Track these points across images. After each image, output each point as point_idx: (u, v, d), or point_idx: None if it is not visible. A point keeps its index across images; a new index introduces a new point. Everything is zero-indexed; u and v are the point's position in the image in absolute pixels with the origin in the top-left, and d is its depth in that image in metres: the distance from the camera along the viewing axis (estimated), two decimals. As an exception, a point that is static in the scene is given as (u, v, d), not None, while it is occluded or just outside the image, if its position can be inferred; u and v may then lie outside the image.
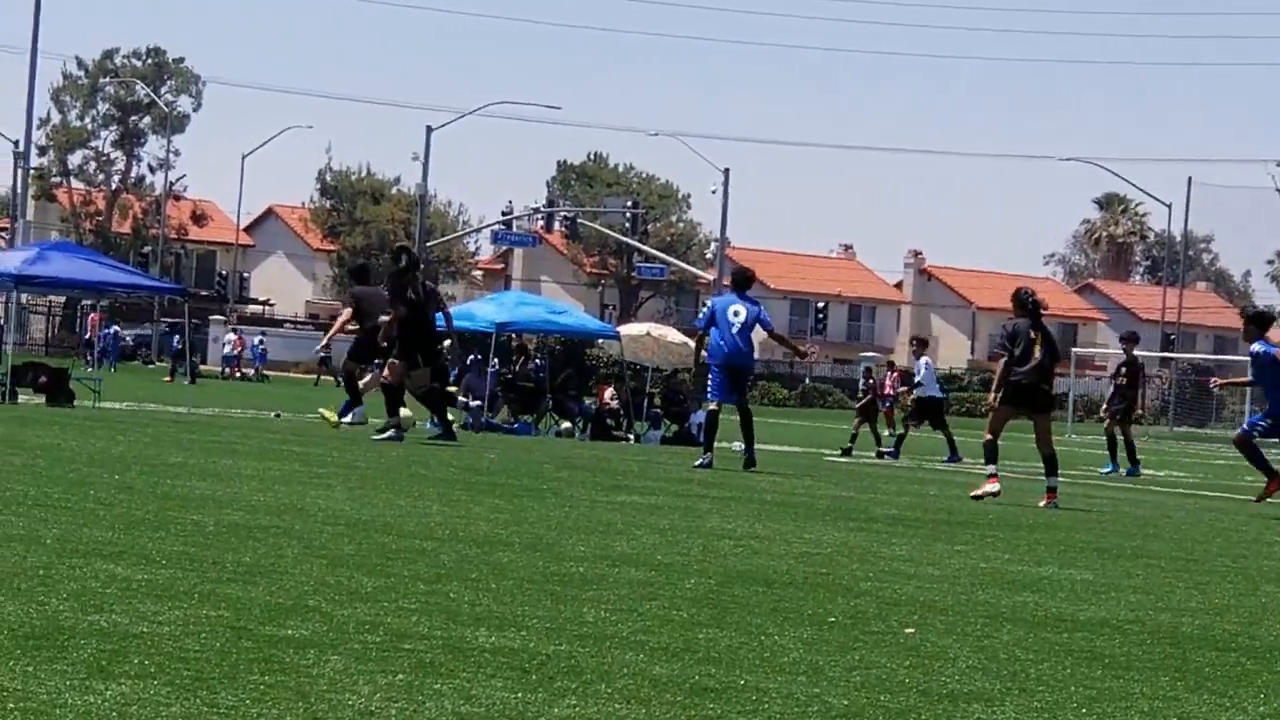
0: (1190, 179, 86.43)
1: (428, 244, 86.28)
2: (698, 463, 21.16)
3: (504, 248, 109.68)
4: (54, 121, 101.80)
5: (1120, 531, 15.55)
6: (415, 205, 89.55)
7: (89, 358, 71.60)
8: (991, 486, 18.28)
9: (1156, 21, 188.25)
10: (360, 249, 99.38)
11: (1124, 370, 31.59)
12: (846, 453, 32.31)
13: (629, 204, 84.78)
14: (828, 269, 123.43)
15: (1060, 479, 18.88)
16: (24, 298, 68.56)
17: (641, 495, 15.63)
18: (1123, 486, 25.62)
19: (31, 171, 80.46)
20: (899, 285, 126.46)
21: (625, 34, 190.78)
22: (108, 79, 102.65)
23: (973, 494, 18.56)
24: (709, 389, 21.91)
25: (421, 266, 25.43)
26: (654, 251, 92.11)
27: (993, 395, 18.84)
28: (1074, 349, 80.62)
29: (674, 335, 40.43)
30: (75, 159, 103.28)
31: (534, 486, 15.80)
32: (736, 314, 21.53)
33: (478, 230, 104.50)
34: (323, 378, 71.64)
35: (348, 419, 25.22)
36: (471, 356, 36.40)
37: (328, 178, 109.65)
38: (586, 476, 17.85)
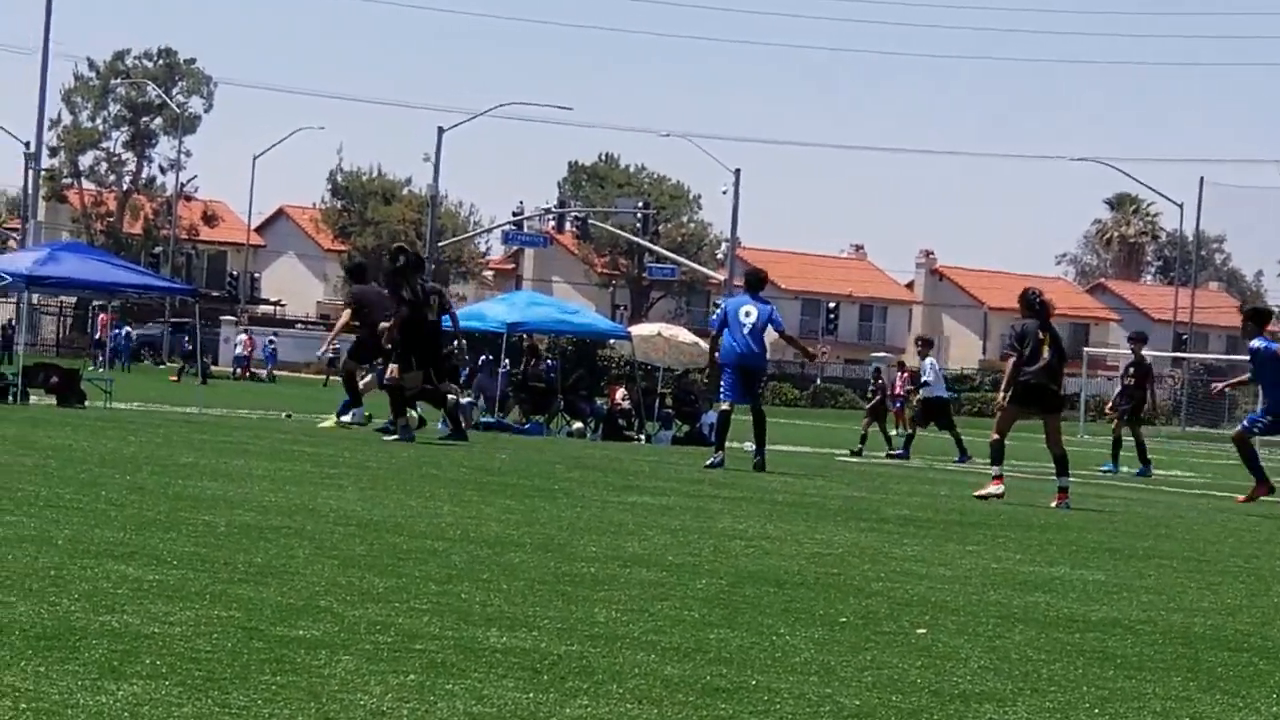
0: (1202, 179, 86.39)
1: (439, 244, 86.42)
2: (709, 462, 21.14)
3: (515, 248, 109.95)
4: (65, 122, 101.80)
5: (1132, 532, 15.53)
6: (426, 206, 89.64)
7: (100, 358, 71.65)
8: (995, 488, 18.29)
9: (1165, 21, 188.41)
10: (371, 249, 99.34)
11: (1131, 370, 31.57)
12: (857, 453, 32.31)
13: (640, 204, 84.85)
14: (839, 269, 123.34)
15: (1071, 479, 18.87)
16: (35, 298, 68.76)
17: (653, 496, 15.62)
18: (1134, 487, 25.58)
19: (43, 172, 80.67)
20: (910, 285, 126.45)
21: (634, 34, 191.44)
22: (119, 80, 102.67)
23: (976, 494, 18.60)
24: (721, 389, 21.91)
25: (424, 266, 25.37)
26: (665, 252, 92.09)
27: (1002, 395, 18.85)
28: (1086, 349, 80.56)
29: (685, 335, 40.44)
30: (86, 160, 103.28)
31: (545, 487, 15.79)
32: (748, 315, 21.51)
33: (489, 231, 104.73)
34: (332, 379, 71.66)
35: (346, 418, 25.13)
36: (483, 357, 36.44)
37: (339, 178, 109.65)
38: (598, 477, 17.84)
